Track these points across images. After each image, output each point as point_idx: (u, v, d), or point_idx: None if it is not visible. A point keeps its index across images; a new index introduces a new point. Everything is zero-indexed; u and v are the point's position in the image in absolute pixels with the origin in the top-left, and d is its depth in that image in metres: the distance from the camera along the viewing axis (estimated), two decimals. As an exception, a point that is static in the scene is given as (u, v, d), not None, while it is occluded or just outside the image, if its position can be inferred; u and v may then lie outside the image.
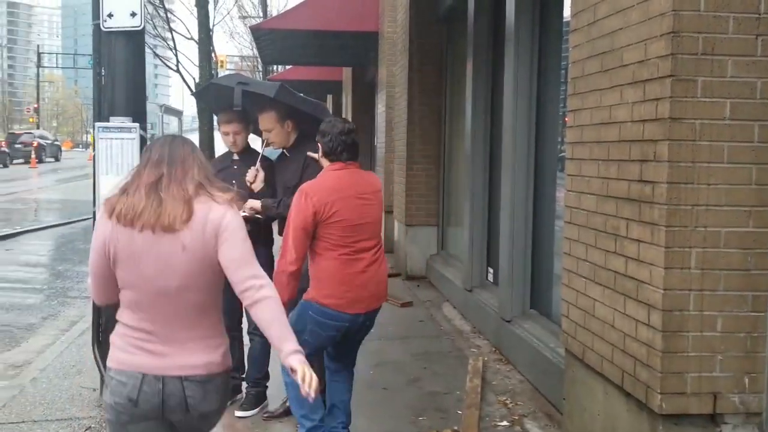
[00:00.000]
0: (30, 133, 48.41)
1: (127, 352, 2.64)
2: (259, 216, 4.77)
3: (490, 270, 7.55)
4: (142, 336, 2.63)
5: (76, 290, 9.69)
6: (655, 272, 3.32)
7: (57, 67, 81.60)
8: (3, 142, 42.88)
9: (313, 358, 4.15)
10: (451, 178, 9.66)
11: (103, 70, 5.21)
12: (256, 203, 4.74)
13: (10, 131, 58.29)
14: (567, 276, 4.35)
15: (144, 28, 5.23)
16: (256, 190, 4.85)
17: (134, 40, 5.20)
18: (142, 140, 5.16)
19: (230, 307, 5.05)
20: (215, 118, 5.19)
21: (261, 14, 38.75)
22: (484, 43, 7.62)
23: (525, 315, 6.19)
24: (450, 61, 9.71)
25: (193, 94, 5.59)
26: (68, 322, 8.01)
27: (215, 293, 2.72)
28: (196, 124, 23.64)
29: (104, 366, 3.22)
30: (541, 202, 6.18)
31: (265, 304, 2.63)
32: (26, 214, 18.67)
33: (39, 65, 70.89)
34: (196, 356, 2.64)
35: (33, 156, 40.51)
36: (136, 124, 5.14)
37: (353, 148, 4.01)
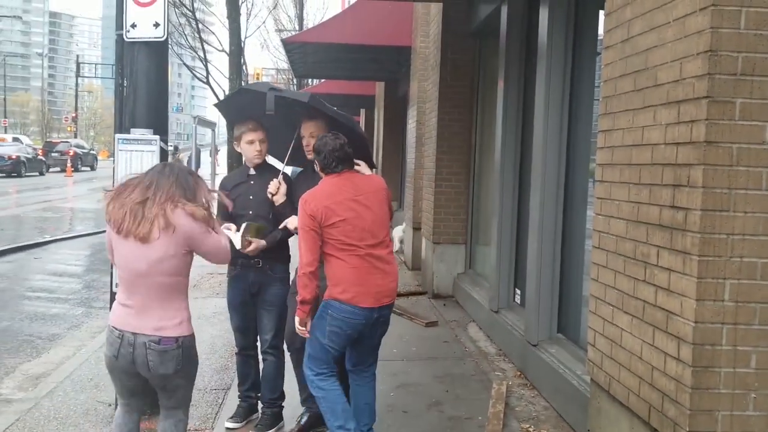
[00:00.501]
0: (67, 142, 48.95)
1: (117, 315, 3.55)
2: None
3: (518, 291, 7.37)
4: (125, 303, 3.52)
5: (101, 301, 9.65)
6: (686, 304, 3.15)
7: (96, 77, 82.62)
8: (40, 151, 43.52)
9: (336, 365, 4.33)
10: (480, 195, 9.49)
11: (125, 81, 5.16)
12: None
13: (48, 140, 59.04)
14: (594, 303, 4.18)
15: (167, 39, 5.17)
16: (277, 204, 4.75)
17: (157, 51, 5.15)
18: (163, 153, 5.09)
19: (245, 327, 5.00)
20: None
21: (297, 28, 38.80)
22: (516, 60, 7.47)
23: (552, 339, 6.01)
24: (481, 77, 9.56)
25: (215, 104, 5.49)
26: (90, 333, 7.99)
27: (177, 279, 3.50)
28: (230, 136, 23.69)
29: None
30: (571, 223, 6.00)
31: None
32: (58, 222, 18.82)
33: (78, 75, 71.89)
34: (152, 322, 3.46)
35: (69, 165, 40.97)
36: (157, 137, 5.07)
37: (346, 159, 4.31)
